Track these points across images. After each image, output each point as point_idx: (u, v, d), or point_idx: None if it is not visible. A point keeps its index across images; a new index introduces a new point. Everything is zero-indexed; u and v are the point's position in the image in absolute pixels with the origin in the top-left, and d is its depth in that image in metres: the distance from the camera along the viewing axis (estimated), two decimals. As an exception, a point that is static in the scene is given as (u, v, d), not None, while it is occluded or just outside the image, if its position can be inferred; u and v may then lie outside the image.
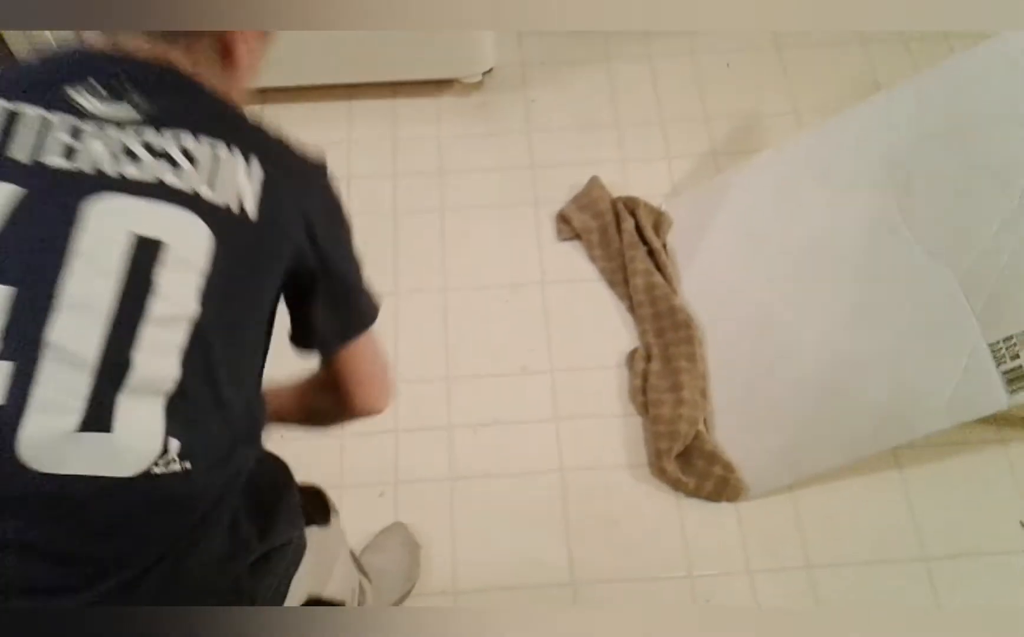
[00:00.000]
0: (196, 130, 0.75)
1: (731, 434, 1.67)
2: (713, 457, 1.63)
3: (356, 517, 1.58)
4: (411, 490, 1.65)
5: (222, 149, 0.75)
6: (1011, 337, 1.43)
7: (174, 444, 0.69)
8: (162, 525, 0.72)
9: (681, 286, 1.84)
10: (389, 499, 1.63)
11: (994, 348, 1.44)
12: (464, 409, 1.74)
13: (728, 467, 1.62)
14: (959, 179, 1.57)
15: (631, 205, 1.92)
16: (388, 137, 2.09)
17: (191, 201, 0.72)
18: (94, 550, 0.69)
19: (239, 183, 0.75)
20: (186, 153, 0.73)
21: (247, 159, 0.76)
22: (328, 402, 0.96)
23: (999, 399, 1.42)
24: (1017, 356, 1.42)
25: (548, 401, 1.74)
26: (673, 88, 2.16)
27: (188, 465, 0.70)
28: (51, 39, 1.69)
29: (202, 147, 0.74)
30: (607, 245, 1.90)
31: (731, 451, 1.65)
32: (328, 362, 0.92)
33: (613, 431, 1.71)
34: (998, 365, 1.43)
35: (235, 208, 0.74)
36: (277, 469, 0.95)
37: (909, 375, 1.51)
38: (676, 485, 1.64)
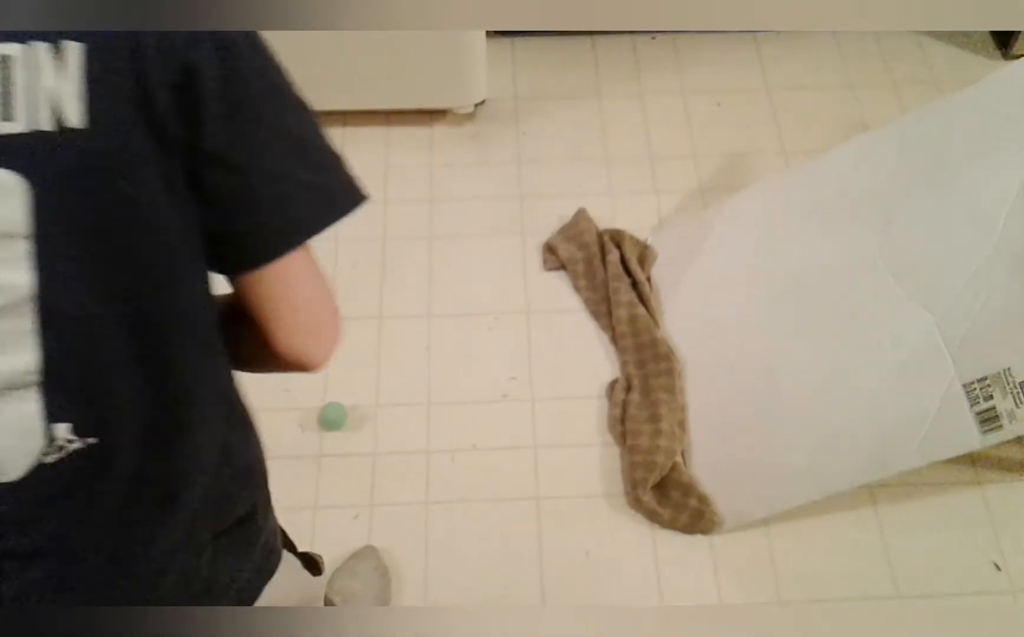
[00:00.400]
0: None
1: (708, 467, 1.67)
2: (689, 489, 1.63)
3: (330, 538, 1.60)
4: (386, 513, 1.65)
5: (12, 48, 0.57)
6: (985, 378, 1.43)
7: (62, 428, 0.62)
8: (85, 502, 0.66)
9: (664, 319, 1.86)
10: (364, 521, 1.64)
11: (968, 388, 1.45)
12: (443, 434, 1.75)
13: (703, 499, 1.62)
14: (938, 220, 1.59)
15: (617, 238, 1.94)
16: (380, 164, 2.12)
17: None
18: (14, 544, 0.65)
19: (48, 88, 0.57)
20: None
21: (55, 45, 0.58)
22: (247, 338, 0.73)
23: (972, 439, 1.43)
24: (991, 397, 1.42)
25: (527, 429, 1.75)
26: (663, 125, 2.19)
27: (92, 440, 0.64)
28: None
29: None
30: (592, 276, 1.92)
31: (707, 484, 1.65)
32: (235, 285, 0.72)
33: (591, 460, 1.71)
34: (972, 405, 1.44)
35: (48, 125, 0.57)
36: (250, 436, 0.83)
37: (884, 413, 1.52)
38: (651, 516, 1.64)
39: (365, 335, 1.85)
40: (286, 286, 0.70)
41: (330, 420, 1.71)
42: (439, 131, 2.16)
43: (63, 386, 0.62)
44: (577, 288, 1.92)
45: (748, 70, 2.28)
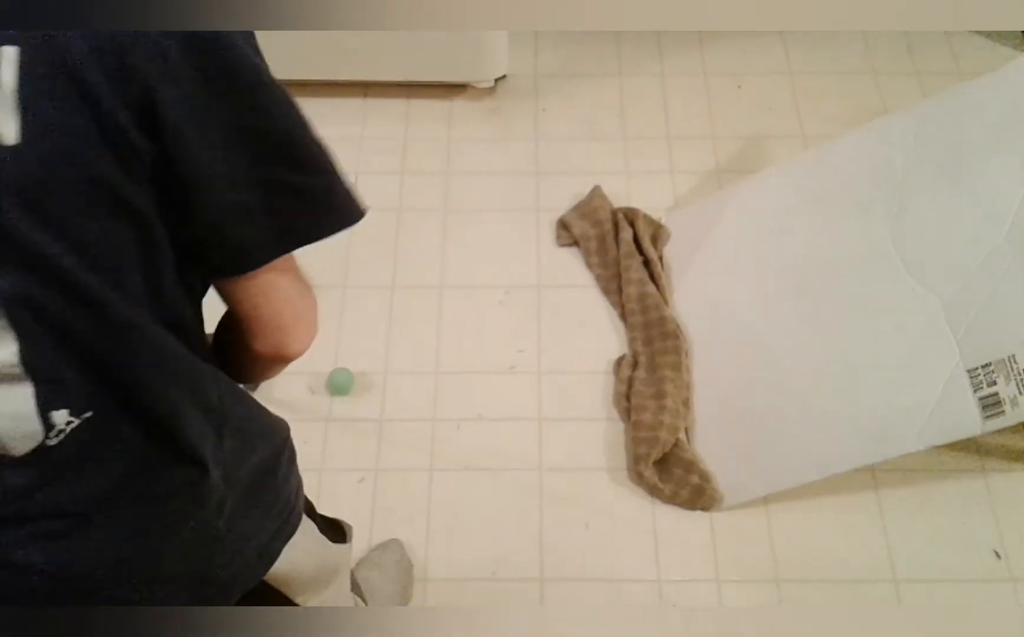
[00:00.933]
0: None
1: (711, 445, 1.68)
2: (691, 466, 1.64)
3: (336, 501, 1.63)
4: (390, 478, 1.68)
5: None
6: (989, 364, 1.43)
7: (59, 415, 0.64)
8: (95, 469, 0.68)
9: (673, 298, 1.86)
10: (368, 485, 1.67)
11: (972, 374, 1.45)
12: (449, 403, 1.77)
13: (705, 476, 1.63)
14: (951, 208, 1.58)
15: (631, 216, 1.95)
16: (399, 136, 2.14)
17: None
18: (33, 510, 0.67)
19: None
20: None
21: None
22: (233, 342, 0.77)
23: (973, 424, 1.42)
24: (994, 383, 1.42)
25: (533, 401, 1.76)
26: (682, 106, 2.18)
27: (89, 414, 0.65)
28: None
29: None
30: (604, 253, 1.93)
31: (710, 461, 1.66)
32: (215, 286, 0.73)
33: (595, 434, 1.73)
34: (975, 391, 1.43)
35: None
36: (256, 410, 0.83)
37: (887, 396, 1.52)
38: (653, 491, 1.65)
39: (377, 303, 1.88)
40: (266, 289, 0.71)
41: (337, 385, 1.74)
42: (459, 105, 2.18)
43: (48, 376, 0.62)
44: (589, 265, 1.94)
45: (770, 53, 2.27)
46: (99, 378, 0.65)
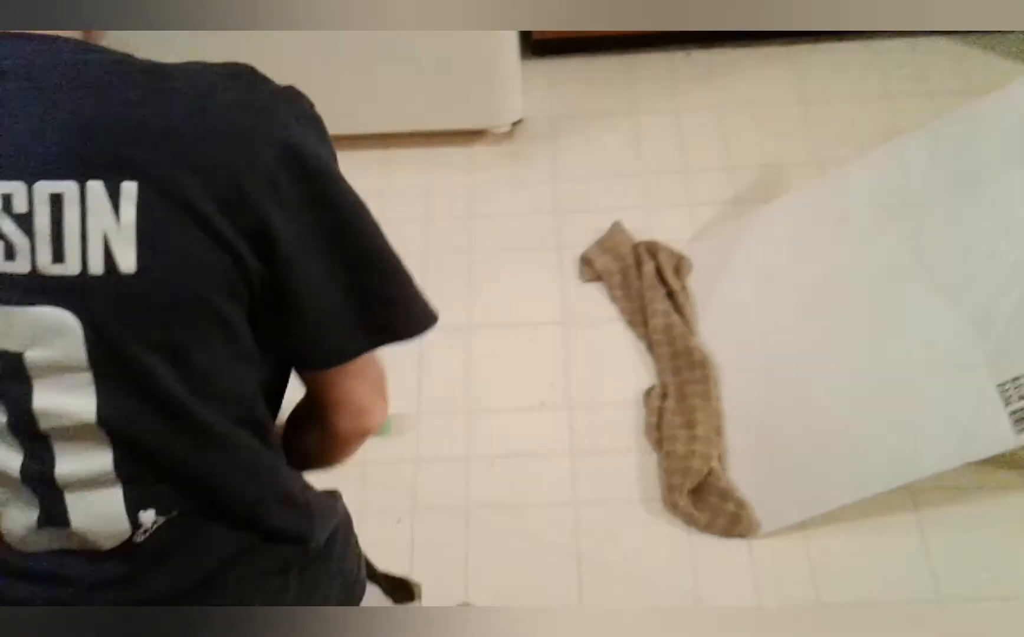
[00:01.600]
0: (32, 174, 0.59)
1: (745, 471, 1.69)
2: (726, 493, 1.65)
3: (374, 542, 1.64)
4: (428, 517, 1.70)
5: (69, 187, 0.59)
6: (1019, 377, 1.44)
7: (146, 515, 0.68)
8: (178, 561, 0.72)
9: (699, 327, 1.88)
10: (406, 525, 1.69)
11: (1002, 388, 1.45)
12: (483, 441, 1.79)
13: (740, 503, 1.64)
14: (969, 224, 1.60)
15: (652, 249, 1.98)
16: (422, 184, 2.18)
17: (29, 287, 0.60)
18: (118, 598, 0.70)
19: (98, 229, 0.59)
20: (18, 218, 0.59)
21: (113, 185, 0.59)
22: (311, 435, 0.83)
23: (1007, 438, 1.43)
24: (1025, 396, 1.43)
25: (565, 435, 1.78)
26: (698, 139, 2.22)
27: (175, 512, 0.70)
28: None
29: (39, 201, 0.59)
30: (628, 286, 1.95)
31: (745, 488, 1.66)
32: (305, 379, 0.79)
33: (628, 466, 1.74)
34: (1006, 405, 1.44)
35: (99, 269, 0.60)
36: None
37: (919, 414, 1.53)
38: (689, 520, 1.66)
39: (408, 346, 1.90)
40: (355, 377, 0.77)
41: (375, 428, 1.76)
42: (478, 151, 2.23)
43: (137, 479, 0.67)
44: (613, 299, 1.96)
45: (783, 83, 2.31)
46: (185, 481, 0.69)
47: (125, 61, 0.64)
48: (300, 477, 0.84)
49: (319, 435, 0.81)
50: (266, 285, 0.67)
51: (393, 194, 2.17)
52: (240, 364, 0.69)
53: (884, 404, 1.60)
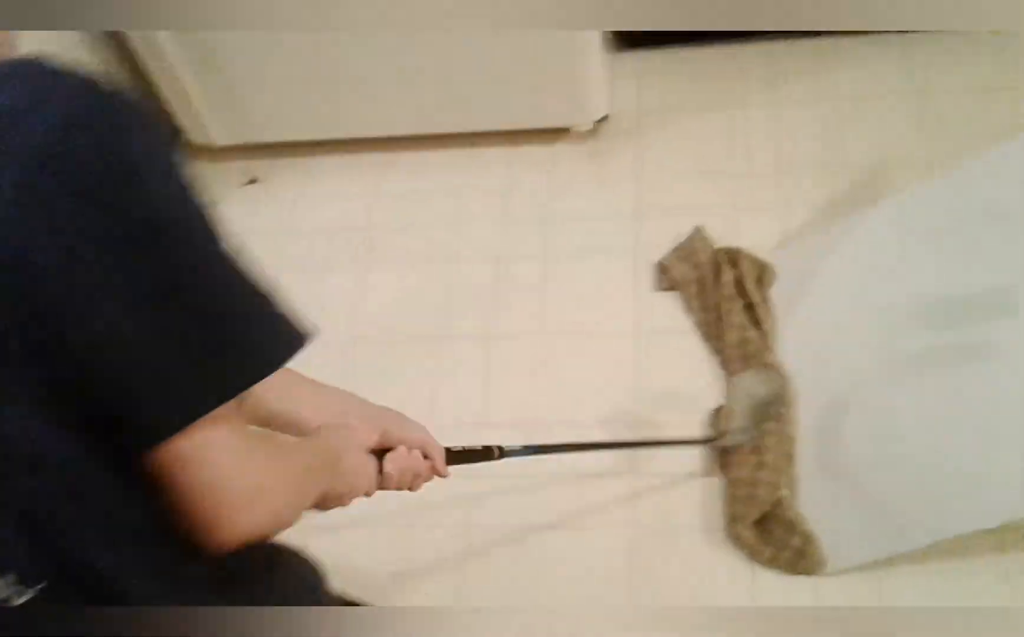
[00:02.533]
0: None
1: (816, 503, 1.57)
2: (792, 526, 1.54)
3: (437, 549, 1.64)
4: (485, 535, 1.67)
5: None
6: None
7: (5, 580, 0.57)
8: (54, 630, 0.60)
9: (780, 342, 1.76)
10: (461, 540, 1.67)
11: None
12: (549, 456, 1.74)
13: (807, 538, 1.52)
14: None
15: (733, 257, 1.86)
16: (503, 184, 2.15)
17: None
18: None
19: None
20: None
21: None
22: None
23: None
24: None
25: (626, 454, 1.71)
26: (797, 136, 2.07)
27: (42, 584, 0.58)
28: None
29: None
30: (704, 297, 1.85)
31: (815, 521, 1.55)
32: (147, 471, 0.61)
33: (690, 491, 1.65)
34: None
35: None
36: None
37: (1003, 456, 1.37)
38: (751, 553, 1.56)
39: (474, 354, 1.89)
40: (188, 458, 0.59)
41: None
42: (560, 149, 2.16)
43: None
44: (689, 309, 1.86)
45: (894, 74, 2.12)
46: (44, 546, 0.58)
47: None
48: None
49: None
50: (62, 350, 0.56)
51: (474, 194, 2.14)
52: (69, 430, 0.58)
53: (975, 440, 1.44)
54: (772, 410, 1.64)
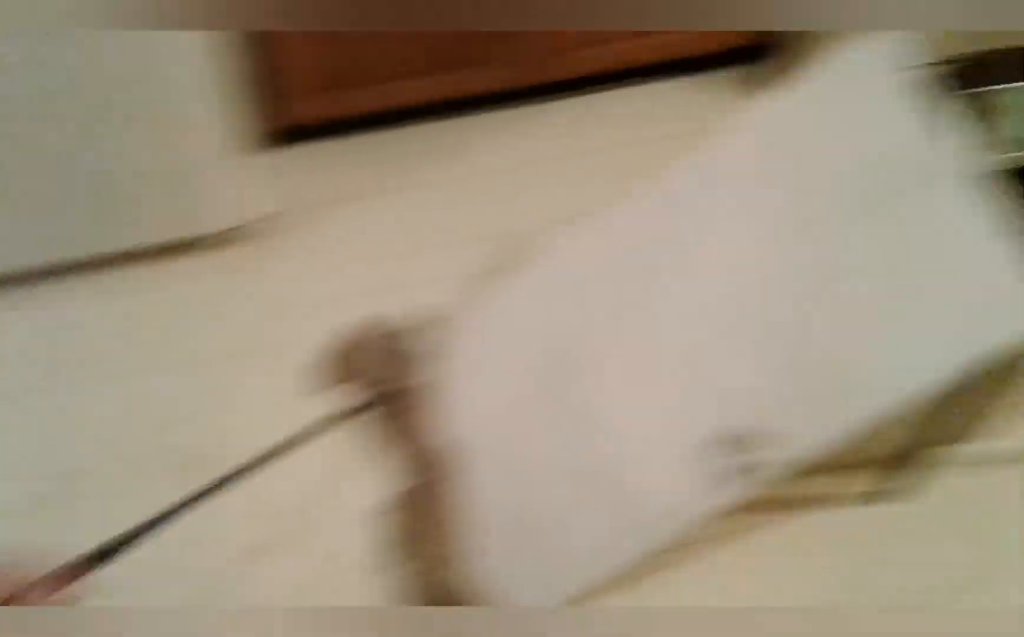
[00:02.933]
0: None
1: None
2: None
3: None
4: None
5: None
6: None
7: None
8: None
9: (448, 415, 1.69)
10: None
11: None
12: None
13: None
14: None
15: (395, 336, 1.78)
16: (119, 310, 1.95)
17: None
18: None
19: None
20: None
21: None
22: None
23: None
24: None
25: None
26: (443, 214, 2.10)
27: None
28: None
29: None
30: (367, 384, 1.75)
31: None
32: None
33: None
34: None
35: None
36: None
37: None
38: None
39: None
40: None
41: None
42: (188, 262, 2.02)
43: None
44: (352, 400, 1.75)
45: (512, 147, 2.23)
46: None
47: None
48: None
49: None
50: None
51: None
52: None
53: (598, 484, 1.45)
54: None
